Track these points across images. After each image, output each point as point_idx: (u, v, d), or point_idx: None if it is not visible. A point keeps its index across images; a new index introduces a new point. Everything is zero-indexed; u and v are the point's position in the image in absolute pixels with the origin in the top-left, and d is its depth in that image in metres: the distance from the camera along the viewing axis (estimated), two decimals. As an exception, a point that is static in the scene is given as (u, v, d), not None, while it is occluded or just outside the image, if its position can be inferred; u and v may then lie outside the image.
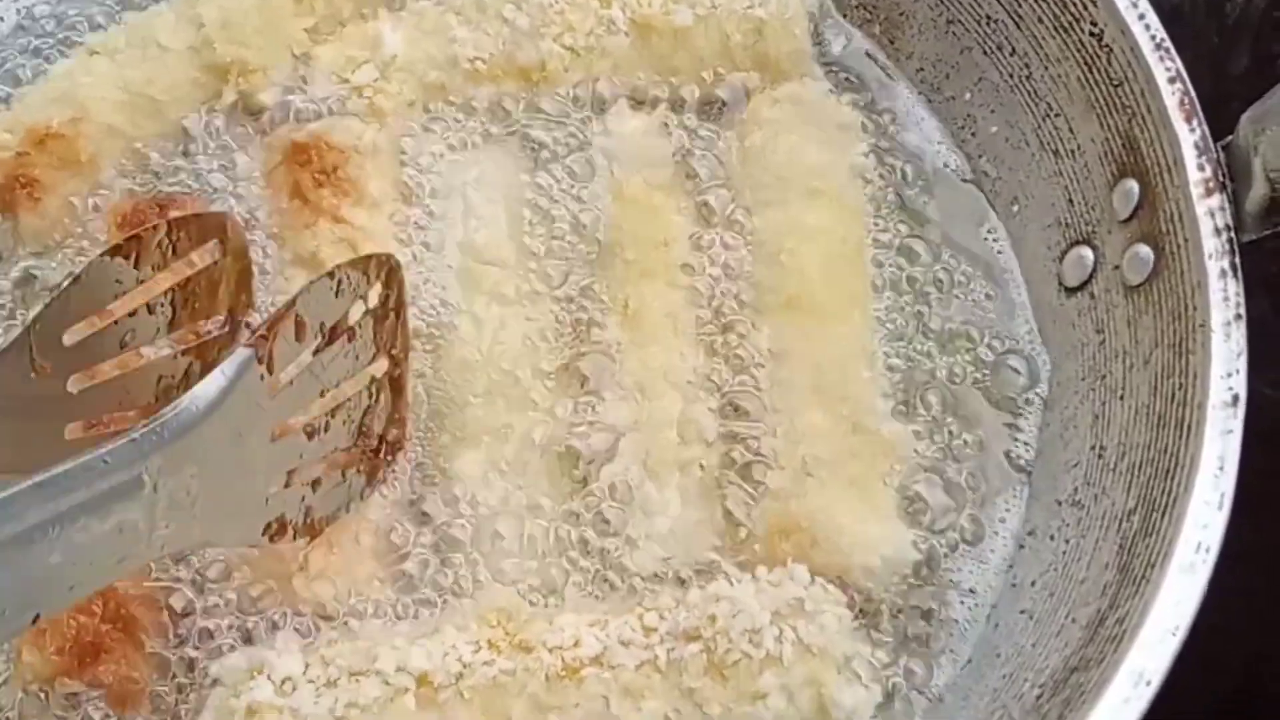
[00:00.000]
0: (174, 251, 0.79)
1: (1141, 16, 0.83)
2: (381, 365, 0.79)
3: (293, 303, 0.71)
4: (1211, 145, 0.78)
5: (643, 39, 0.94)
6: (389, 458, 0.82)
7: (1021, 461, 0.87)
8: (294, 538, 0.75)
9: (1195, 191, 0.77)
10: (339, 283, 0.75)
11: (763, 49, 0.95)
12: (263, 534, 0.73)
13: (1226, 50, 1.08)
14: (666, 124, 0.95)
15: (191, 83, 0.93)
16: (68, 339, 0.75)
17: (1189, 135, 0.79)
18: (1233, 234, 0.76)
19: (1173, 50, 0.82)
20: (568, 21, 0.94)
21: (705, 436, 0.83)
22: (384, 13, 0.97)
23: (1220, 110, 0.81)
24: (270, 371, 0.70)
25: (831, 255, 0.88)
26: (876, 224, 0.93)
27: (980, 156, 0.96)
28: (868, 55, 1.01)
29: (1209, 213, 0.77)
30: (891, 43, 1.01)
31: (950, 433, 0.88)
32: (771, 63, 0.96)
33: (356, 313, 0.77)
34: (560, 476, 0.83)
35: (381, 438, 0.81)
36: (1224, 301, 0.75)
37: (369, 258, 0.78)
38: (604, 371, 0.85)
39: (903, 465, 0.85)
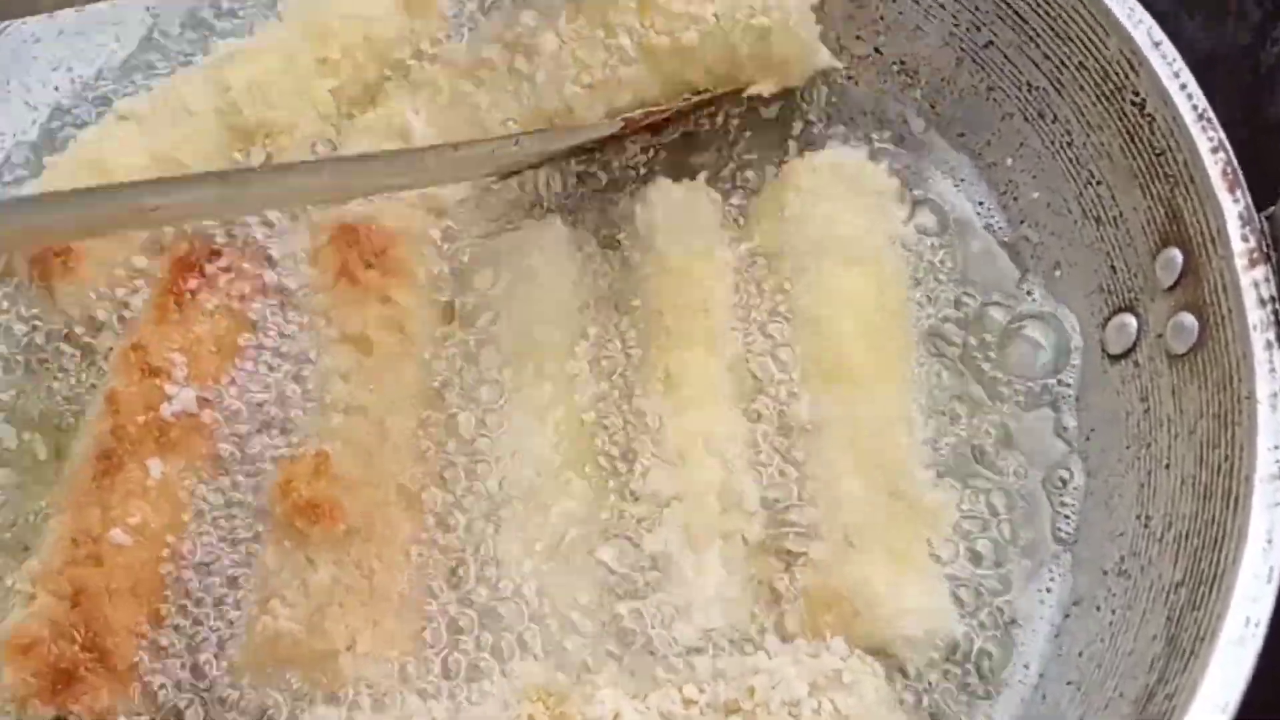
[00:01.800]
0: None
1: (1184, 87, 0.83)
2: None
3: None
4: (1255, 216, 0.78)
5: (654, 62, 0.95)
6: None
7: (1064, 532, 0.86)
8: None
9: (1239, 263, 0.77)
10: None
11: (768, 54, 0.96)
12: None
13: (1262, 96, 1.08)
14: (706, 194, 0.95)
15: (218, 146, 0.94)
16: None
17: (1233, 206, 0.79)
18: (1278, 306, 0.76)
19: (1215, 120, 0.82)
20: (580, 61, 0.94)
21: (746, 506, 0.83)
22: (404, 95, 0.97)
23: (1260, 158, 0.81)
24: None
25: (870, 323, 0.89)
26: (915, 290, 0.94)
27: (1022, 222, 0.96)
28: (908, 120, 1.02)
29: (1253, 284, 0.77)
30: (932, 107, 1.01)
31: (991, 500, 0.87)
32: (779, 65, 0.96)
33: None
34: (602, 548, 0.83)
35: None
36: (1270, 374, 0.75)
37: None
38: (645, 441, 0.85)
39: (944, 534, 0.84)
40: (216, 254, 0.89)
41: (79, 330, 0.90)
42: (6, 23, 0.98)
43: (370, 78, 0.99)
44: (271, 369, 0.87)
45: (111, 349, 0.88)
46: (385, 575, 0.79)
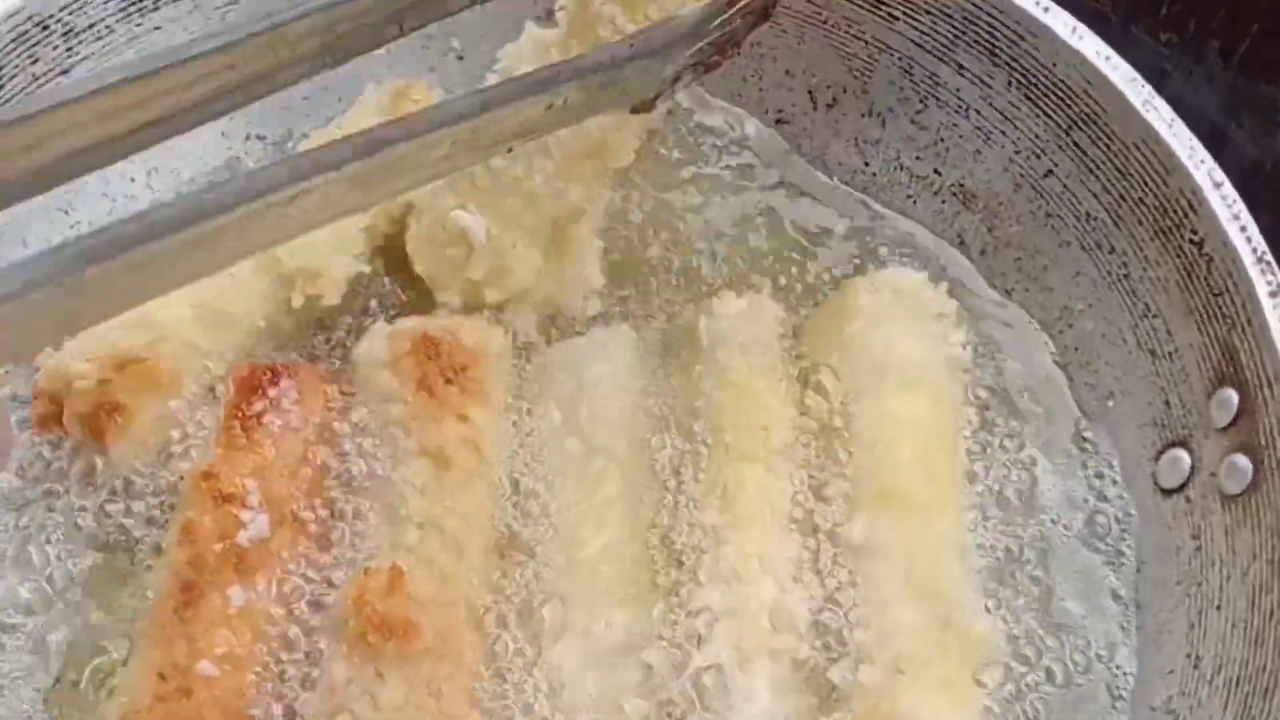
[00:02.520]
0: None
1: (1243, 229, 0.84)
2: None
3: None
4: (1313, 363, 0.79)
5: None
6: None
7: (1107, 663, 0.87)
8: None
9: (1295, 409, 0.78)
10: None
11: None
12: None
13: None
14: (770, 308, 0.97)
15: (260, 294, 0.94)
16: None
17: (1290, 351, 0.80)
18: (1334, 455, 0.76)
19: (1274, 264, 0.83)
20: None
21: (797, 627, 0.83)
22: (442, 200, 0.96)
23: None
24: None
25: (927, 448, 0.89)
26: (970, 414, 0.95)
27: (1076, 349, 0.97)
28: (965, 242, 1.04)
29: (1310, 431, 0.77)
30: (989, 230, 1.03)
31: (1040, 627, 0.87)
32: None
33: None
34: (652, 661, 0.82)
35: None
36: (1325, 524, 0.75)
37: None
38: (699, 555, 0.85)
39: (993, 663, 0.84)
40: (278, 375, 0.90)
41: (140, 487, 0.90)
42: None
43: (395, 211, 0.99)
44: (344, 483, 0.88)
45: (182, 478, 0.88)
46: (453, 697, 0.79)
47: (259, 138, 1.08)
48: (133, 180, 1.04)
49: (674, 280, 1.01)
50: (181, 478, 0.88)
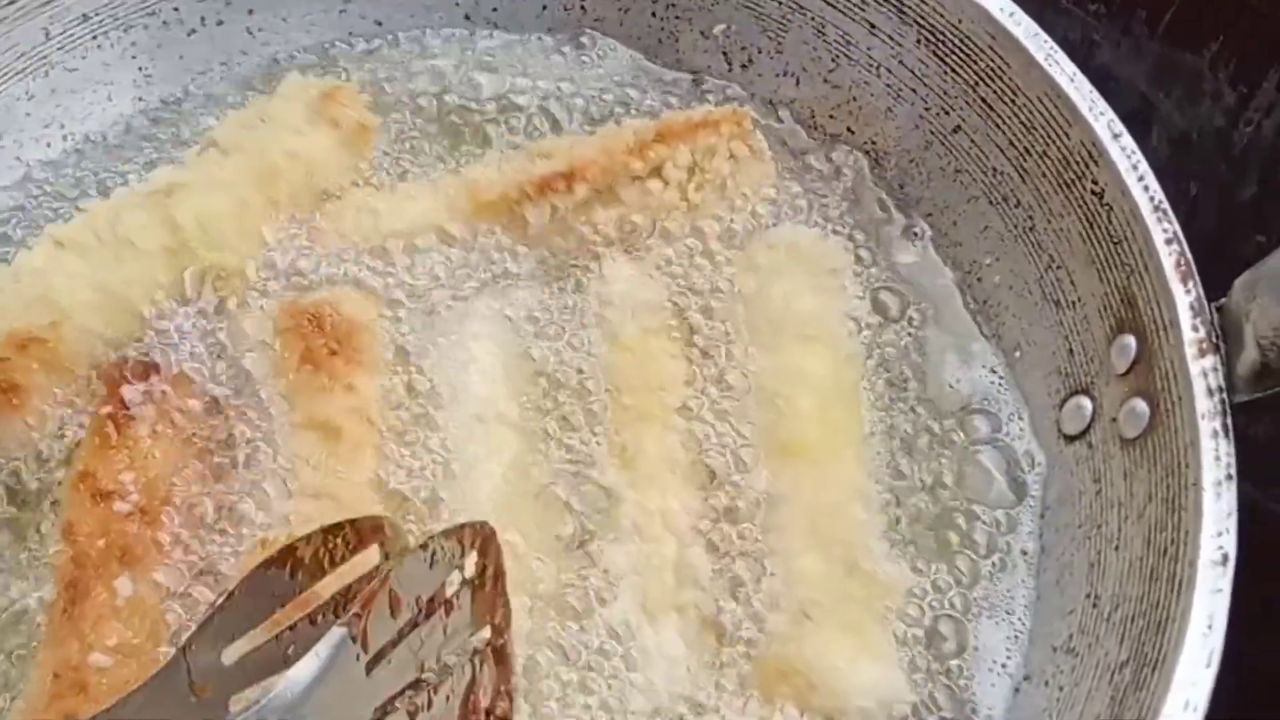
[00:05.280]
0: (331, 560, 0.76)
1: (1141, 179, 0.86)
2: (484, 635, 0.77)
3: (385, 577, 0.69)
4: (1206, 307, 0.80)
5: None
6: None
7: (1016, 605, 0.88)
8: None
9: (1189, 352, 0.79)
10: (433, 554, 0.72)
11: None
12: None
13: (1235, 178, 1.10)
14: (661, 270, 0.97)
15: (167, 286, 0.93)
16: (227, 658, 0.71)
17: (1184, 296, 0.81)
18: (1225, 396, 0.78)
19: (1170, 212, 0.84)
20: None
21: (701, 580, 0.85)
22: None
23: (1228, 241, 0.82)
24: (365, 650, 0.68)
25: (826, 400, 0.90)
26: (871, 366, 0.96)
27: (984, 301, 0.99)
28: (877, 200, 1.04)
29: (1202, 373, 0.79)
30: (901, 188, 1.04)
31: (945, 573, 0.89)
32: None
33: (454, 584, 0.74)
34: (559, 623, 0.84)
35: (488, 712, 0.78)
36: (1215, 461, 0.76)
37: (462, 527, 0.76)
38: (602, 516, 0.86)
39: (898, 606, 0.85)
40: (151, 369, 0.89)
41: (27, 469, 0.89)
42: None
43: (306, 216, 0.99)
44: (233, 463, 0.87)
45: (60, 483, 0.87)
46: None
47: (162, 100, 1.09)
48: (48, 145, 1.04)
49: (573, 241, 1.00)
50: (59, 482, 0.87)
